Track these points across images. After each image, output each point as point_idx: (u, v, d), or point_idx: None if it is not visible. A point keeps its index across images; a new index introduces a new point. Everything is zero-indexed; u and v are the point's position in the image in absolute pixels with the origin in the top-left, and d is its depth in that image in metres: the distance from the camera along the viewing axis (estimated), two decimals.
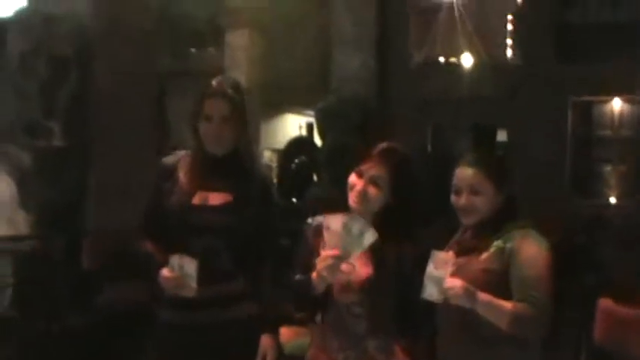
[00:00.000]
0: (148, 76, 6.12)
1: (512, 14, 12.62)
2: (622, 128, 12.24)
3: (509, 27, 12.61)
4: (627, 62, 11.10)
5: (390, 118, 11.07)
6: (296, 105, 14.14)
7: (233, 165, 2.86)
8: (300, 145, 11.33)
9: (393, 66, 11.78)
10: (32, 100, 5.47)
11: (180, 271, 2.69)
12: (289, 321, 3.05)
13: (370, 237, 2.52)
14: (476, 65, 12.37)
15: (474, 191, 2.67)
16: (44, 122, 5.44)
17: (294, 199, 9.91)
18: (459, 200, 2.70)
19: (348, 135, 9.83)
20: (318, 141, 10.59)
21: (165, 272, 2.72)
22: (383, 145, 2.70)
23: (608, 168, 12.28)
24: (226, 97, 2.82)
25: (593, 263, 7.15)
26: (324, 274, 2.51)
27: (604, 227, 10.63)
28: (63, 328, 4.76)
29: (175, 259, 2.70)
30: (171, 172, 2.91)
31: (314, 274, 2.55)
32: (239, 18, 13.63)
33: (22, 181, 5.41)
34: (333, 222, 2.59)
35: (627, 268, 6.25)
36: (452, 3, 13.10)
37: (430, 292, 2.50)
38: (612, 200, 12.18)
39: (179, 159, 2.94)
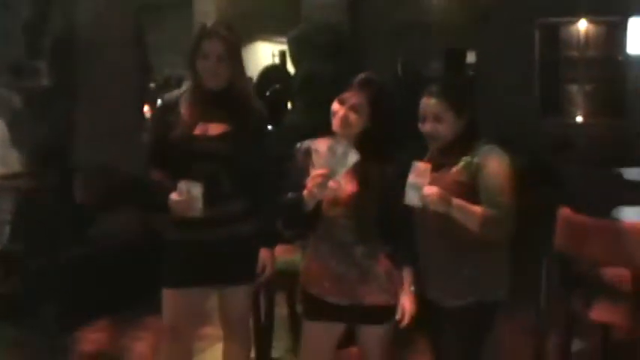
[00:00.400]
0: (126, 14, 6.26)
1: None
2: (588, 49, 12.52)
3: None
4: None
5: (363, 45, 11.13)
6: (268, 33, 14.16)
7: (229, 98, 3.18)
8: (274, 73, 11.44)
9: None
10: (16, 40, 5.62)
11: (187, 194, 3.03)
12: (283, 238, 3.39)
13: (353, 157, 2.84)
14: None
15: (436, 119, 3.00)
16: (30, 62, 5.61)
17: (269, 126, 10.06)
18: (424, 127, 3.04)
19: (321, 62, 9.88)
20: (291, 69, 10.69)
21: (174, 196, 3.07)
22: (361, 75, 3.02)
23: (574, 88, 12.65)
24: (221, 37, 3.13)
25: (556, 179, 7.49)
26: (315, 190, 2.84)
27: (569, 146, 10.99)
28: (63, 259, 5.02)
29: (183, 184, 3.04)
30: (173, 106, 3.23)
31: (305, 192, 2.87)
32: None
33: (13, 121, 5.59)
34: (321, 145, 2.97)
35: (587, 183, 6.60)
36: None
37: (411, 198, 2.84)
38: (579, 119, 12.51)
39: (180, 95, 3.26)
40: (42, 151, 5.57)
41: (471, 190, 2.93)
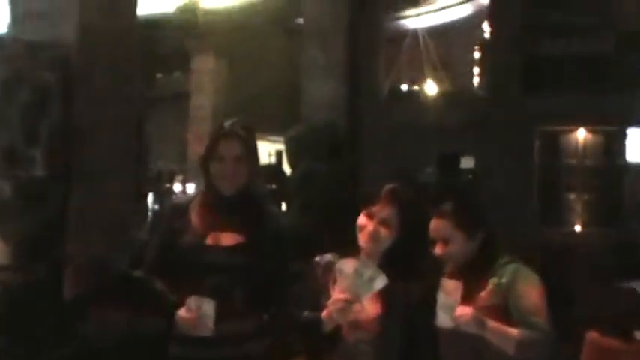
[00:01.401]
0: (126, 103, 6.17)
1: (479, 45, 12.84)
2: (586, 158, 12.59)
3: (476, 56, 12.84)
4: (591, 94, 11.45)
5: (361, 146, 11.13)
6: (264, 132, 14.15)
7: (244, 204, 2.96)
8: (269, 173, 11.38)
9: (365, 93, 11.85)
10: (13, 127, 5.47)
11: (198, 311, 2.76)
12: (298, 356, 3.14)
13: (380, 282, 2.67)
14: (442, 94, 12.57)
15: (445, 241, 2.89)
16: (26, 151, 5.44)
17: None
18: (435, 249, 2.91)
19: (319, 163, 9.85)
20: (287, 169, 10.62)
21: (182, 312, 2.80)
22: (389, 186, 2.84)
23: (572, 196, 12.58)
24: (239, 138, 2.95)
25: (566, 295, 7.29)
26: (335, 315, 2.64)
27: (571, 256, 10.83)
28: (49, 358, 4.75)
29: (193, 300, 2.78)
30: (182, 212, 3.00)
31: (324, 313, 2.66)
32: (205, 43, 13.66)
33: (1, 212, 5.39)
34: (346, 266, 2.73)
35: (601, 300, 6.42)
36: (416, 31, 13.31)
37: (442, 320, 2.66)
38: (577, 228, 12.44)
39: (190, 200, 3.06)
40: (30, 244, 5.34)
41: (503, 312, 2.79)
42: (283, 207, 10.44)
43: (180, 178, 13.70)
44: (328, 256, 2.87)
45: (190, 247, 2.91)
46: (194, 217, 2.97)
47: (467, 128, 12.20)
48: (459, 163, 12.51)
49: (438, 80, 13.05)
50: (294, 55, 11.84)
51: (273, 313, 2.96)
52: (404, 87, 13.20)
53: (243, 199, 2.96)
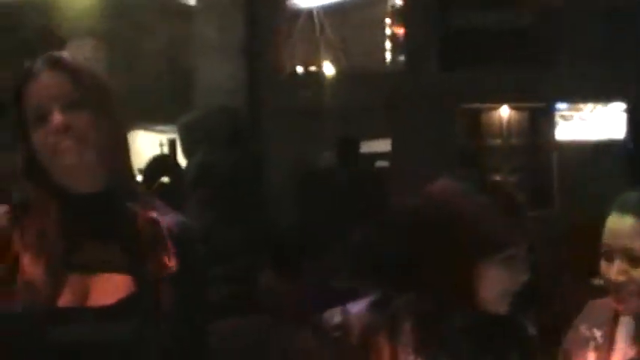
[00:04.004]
0: None
1: (392, 20, 12.50)
2: (511, 137, 12.26)
3: (388, 32, 12.45)
4: (514, 69, 11.09)
5: (262, 132, 10.54)
6: (154, 121, 13.36)
7: (115, 216, 1.70)
8: (162, 165, 10.45)
9: (263, 75, 11.29)
10: None
11: None
12: None
13: None
14: (346, 74, 12.12)
15: (634, 259, 1.88)
16: None
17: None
18: (609, 272, 1.95)
19: (218, 151, 9.16)
20: (182, 159, 9.86)
21: None
22: None
23: (498, 178, 12.19)
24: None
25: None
26: None
27: None
28: None
29: None
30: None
31: None
32: (81, 25, 12.87)
33: None
34: None
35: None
36: (311, 10, 12.86)
37: None
38: None
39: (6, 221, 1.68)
40: None
41: None
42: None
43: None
44: (354, 315, 1.78)
45: (27, 313, 1.58)
46: (23, 250, 1.63)
47: (379, 108, 11.71)
48: (358, 146, 12.01)
49: (337, 60, 12.61)
50: (185, 36, 11.19)
51: None
52: (300, 69, 12.75)
53: (108, 203, 1.71)
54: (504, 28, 11.70)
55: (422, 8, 11.83)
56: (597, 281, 1.93)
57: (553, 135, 11.97)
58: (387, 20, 12.55)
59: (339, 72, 12.41)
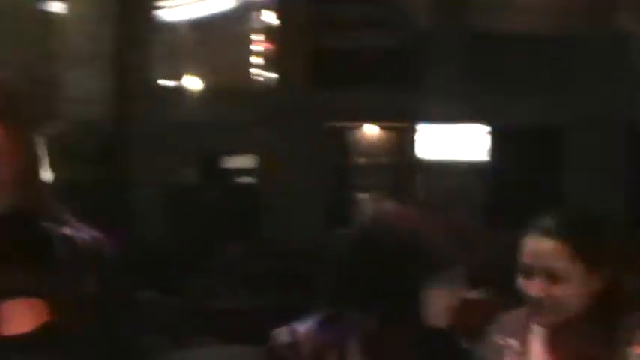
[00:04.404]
0: None
1: (264, 36, 12.40)
2: (377, 156, 12.41)
3: (260, 49, 12.36)
4: (382, 89, 11.26)
5: (130, 145, 10.34)
6: None
7: (29, 237, 1.58)
8: None
9: (133, 87, 11.04)
10: None
11: None
12: None
13: None
14: (212, 89, 11.97)
15: (552, 276, 1.98)
16: None
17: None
18: (530, 287, 2.04)
19: (84, 166, 8.98)
20: (48, 174, 9.52)
21: None
22: None
23: (364, 196, 12.32)
24: None
25: None
26: None
27: None
28: None
29: None
30: None
31: None
32: None
33: None
34: None
35: None
36: (179, 24, 12.66)
37: None
38: None
39: None
40: None
41: None
42: None
43: None
44: (302, 331, 1.78)
45: None
46: None
47: (247, 125, 11.64)
48: (218, 162, 11.94)
49: (203, 75, 12.40)
50: (50, 45, 10.85)
51: None
52: (168, 83, 12.48)
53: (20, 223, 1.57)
54: (374, 49, 11.85)
55: (293, 26, 11.84)
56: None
57: (417, 155, 12.15)
58: (257, 37, 12.47)
59: (205, 87, 12.22)
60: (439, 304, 1.70)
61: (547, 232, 1.92)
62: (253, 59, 12.51)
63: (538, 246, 1.92)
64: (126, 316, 1.59)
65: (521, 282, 1.95)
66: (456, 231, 1.75)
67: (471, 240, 1.76)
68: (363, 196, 12.32)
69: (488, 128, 12.10)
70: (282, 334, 1.73)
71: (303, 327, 1.73)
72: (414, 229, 1.71)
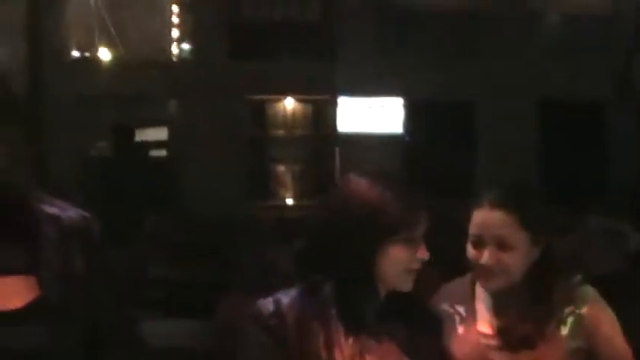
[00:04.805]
0: None
1: (179, 7, 12.22)
2: (295, 128, 12.43)
3: (176, 20, 12.18)
4: (299, 61, 11.29)
5: (44, 117, 10.08)
6: None
7: (17, 217, 1.62)
8: None
9: (46, 57, 10.75)
10: None
11: None
12: None
13: None
14: (125, 61, 11.76)
15: (502, 245, 2.12)
16: None
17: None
18: (479, 256, 2.18)
19: None
20: None
21: None
22: None
23: (282, 168, 12.33)
24: None
25: None
26: None
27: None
28: None
29: None
30: None
31: None
32: None
33: None
34: None
35: None
36: None
37: None
38: (289, 201, 12.21)
39: None
40: None
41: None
42: None
43: None
44: (283, 300, 1.89)
45: None
46: None
47: (162, 97, 11.53)
48: (133, 135, 11.74)
49: (114, 46, 12.10)
50: None
51: None
52: (76, 53, 12.15)
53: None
54: (292, 22, 11.86)
55: None
56: None
57: (336, 127, 12.23)
58: (175, 8, 12.28)
59: (116, 58, 11.95)
60: (398, 266, 1.80)
61: (497, 205, 2.07)
62: (171, 30, 12.33)
63: (488, 217, 2.07)
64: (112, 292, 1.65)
65: (471, 251, 2.08)
66: (410, 200, 1.84)
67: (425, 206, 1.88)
68: (280, 168, 12.37)
69: (403, 101, 12.30)
70: (267, 305, 1.81)
71: (287, 297, 1.82)
72: (369, 197, 1.80)
